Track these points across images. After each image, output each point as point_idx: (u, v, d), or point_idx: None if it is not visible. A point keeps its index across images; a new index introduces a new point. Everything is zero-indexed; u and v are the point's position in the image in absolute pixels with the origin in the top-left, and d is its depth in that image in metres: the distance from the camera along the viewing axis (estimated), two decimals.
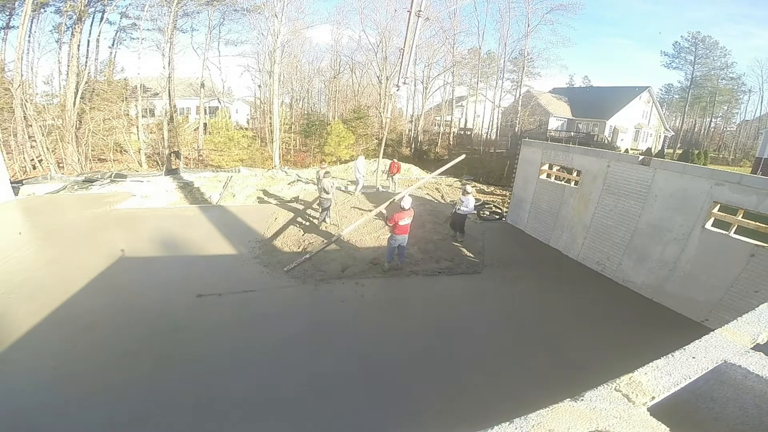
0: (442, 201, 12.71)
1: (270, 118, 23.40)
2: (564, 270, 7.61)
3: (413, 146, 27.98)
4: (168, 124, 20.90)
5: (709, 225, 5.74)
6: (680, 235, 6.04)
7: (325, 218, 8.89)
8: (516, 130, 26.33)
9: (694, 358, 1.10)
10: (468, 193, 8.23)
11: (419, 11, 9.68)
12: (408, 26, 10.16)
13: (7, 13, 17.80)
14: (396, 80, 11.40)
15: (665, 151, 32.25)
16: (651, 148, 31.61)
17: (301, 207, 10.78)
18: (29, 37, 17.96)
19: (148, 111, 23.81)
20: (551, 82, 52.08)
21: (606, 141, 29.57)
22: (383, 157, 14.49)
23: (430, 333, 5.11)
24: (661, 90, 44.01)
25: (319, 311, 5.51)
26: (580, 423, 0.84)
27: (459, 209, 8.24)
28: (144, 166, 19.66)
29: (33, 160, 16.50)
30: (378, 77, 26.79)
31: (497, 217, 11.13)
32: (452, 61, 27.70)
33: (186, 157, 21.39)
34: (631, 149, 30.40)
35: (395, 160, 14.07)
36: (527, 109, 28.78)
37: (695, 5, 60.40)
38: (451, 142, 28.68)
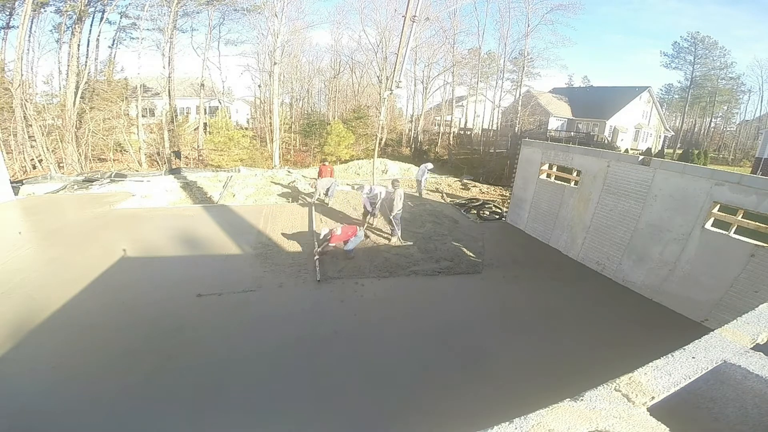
0: (442, 201, 12.71)
1: (270, 118, 23.37)
2: (564, 270, 7.61)
3: (413, 146, 27.96)
4: (168, 124, 20.88)
5: (708, 225, 5.74)
6: (680, 235, 6.04)
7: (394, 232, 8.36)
8: (516, 130, 26.29)
9: (694, 358, 1.11)
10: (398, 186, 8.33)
11: (414, 16, 9.68)
12: (402, 31, 10.15)
13: (7, 13, 17.77)
14: (389, 84, 11.36)
15: (665, 151, 32.24)
16: (651, 148, 31.61)
17: (301, 206, 10.78)
18: (29, 36, 17.93)
19: (148, 111, 23.79)
20: (551, 82, 52.16)
21: (606, 141, 29.54)
22: (383, 158, 14.28)
23: (430, 333, 5.11)
24: (661, 90, 44.11)
25: (319, 311, 5.51)
26: (580, 423, 0.84)
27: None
28: (144, 165, 19.63)
29: (33, 160, 16.46)
30: (378, 77, 26.73)
31: (497, 217, 11.13)
32: (452, 61, 27.66)
33: (186, 157, 21.37)
34: (631, 149, 30.42)
35: (326, 163, 11.39)
36: (527, 109, 28.75)
37: (743, 24, 60.97)
38: (451, 142, 28.65)
